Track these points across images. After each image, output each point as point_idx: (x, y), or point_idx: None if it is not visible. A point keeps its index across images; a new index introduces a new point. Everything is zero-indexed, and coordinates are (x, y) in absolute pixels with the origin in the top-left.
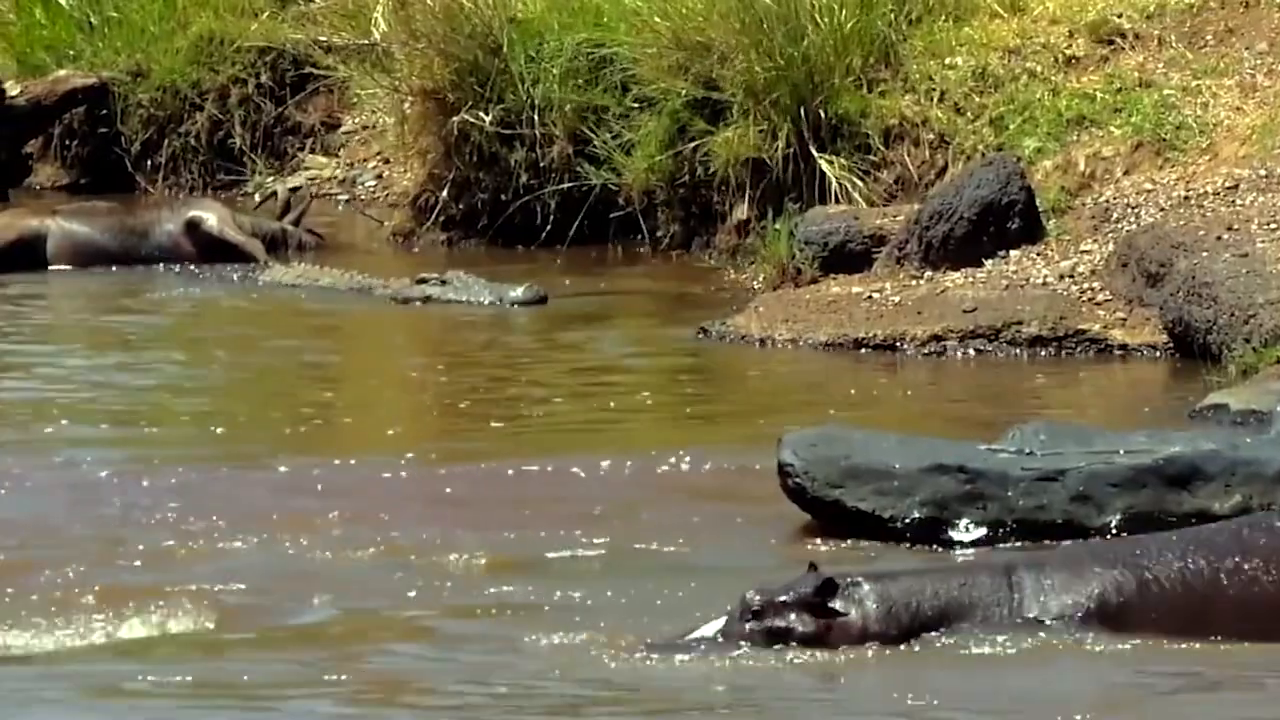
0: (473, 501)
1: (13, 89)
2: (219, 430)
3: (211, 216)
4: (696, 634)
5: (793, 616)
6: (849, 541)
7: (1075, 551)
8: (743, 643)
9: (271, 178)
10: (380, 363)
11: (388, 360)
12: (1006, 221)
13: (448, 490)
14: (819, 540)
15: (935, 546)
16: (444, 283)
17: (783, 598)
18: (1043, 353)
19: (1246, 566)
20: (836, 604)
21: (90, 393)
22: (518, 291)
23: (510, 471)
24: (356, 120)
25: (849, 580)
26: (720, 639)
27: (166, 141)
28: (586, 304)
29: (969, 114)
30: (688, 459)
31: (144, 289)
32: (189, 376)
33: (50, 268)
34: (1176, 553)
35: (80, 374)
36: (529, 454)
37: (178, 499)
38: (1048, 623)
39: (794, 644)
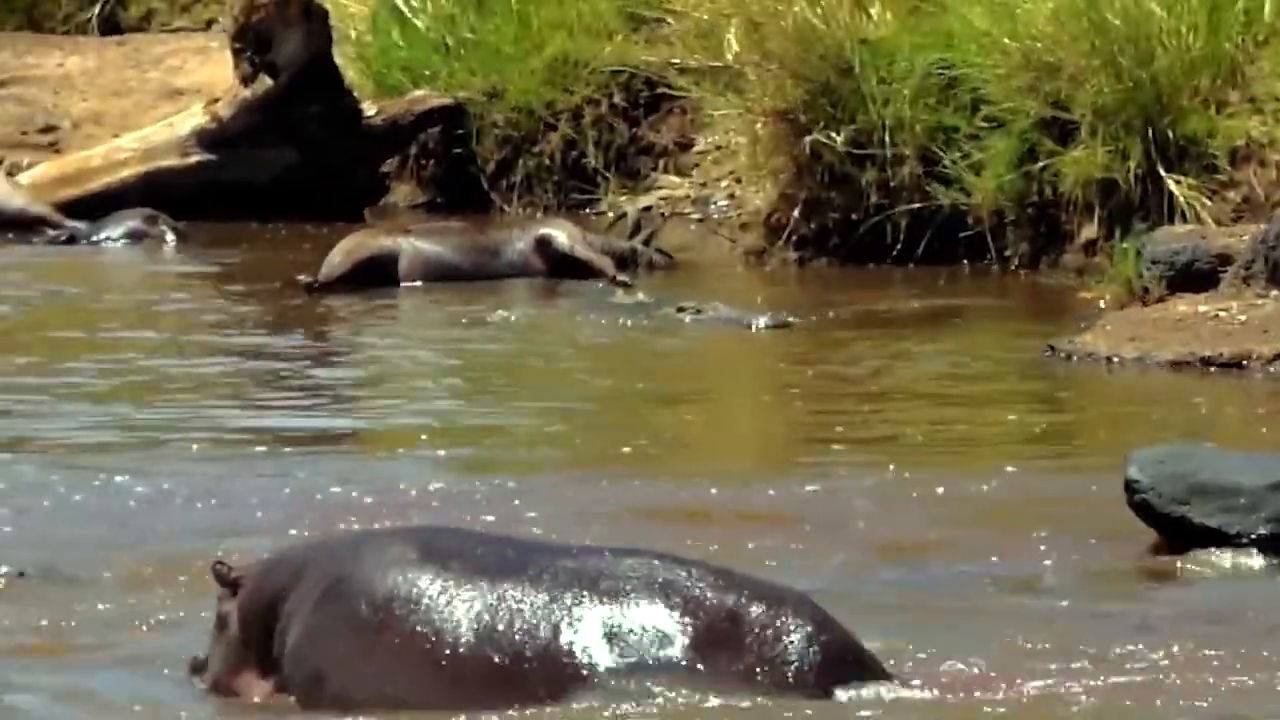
0: (816, 518)
1: (370, 109)
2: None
3: (562, 234)
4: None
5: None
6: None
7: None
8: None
9: (624, 197)
10: (716, 385)
11: (724, 382)
12: None
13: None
14: (1166, 556)
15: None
16: (700, 311)
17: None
18: None
19: None
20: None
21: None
22: (763, 319)
23: (866, 485)
24: (709, 140)
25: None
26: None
27: (521, 161)
28: (936, 322)
29: None
30: (1036, 475)
31: (487, 306)
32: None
33: (402, 284)
34: None
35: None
36: (878, 471)
37: None
38: None
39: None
